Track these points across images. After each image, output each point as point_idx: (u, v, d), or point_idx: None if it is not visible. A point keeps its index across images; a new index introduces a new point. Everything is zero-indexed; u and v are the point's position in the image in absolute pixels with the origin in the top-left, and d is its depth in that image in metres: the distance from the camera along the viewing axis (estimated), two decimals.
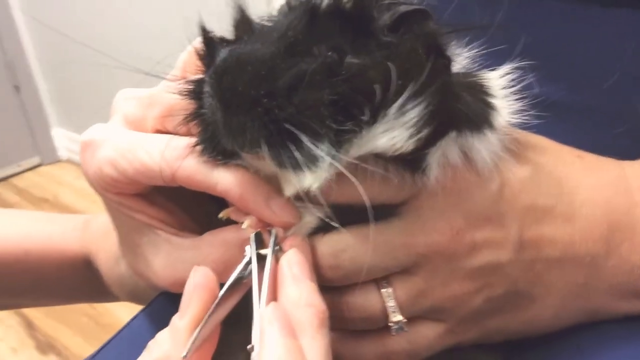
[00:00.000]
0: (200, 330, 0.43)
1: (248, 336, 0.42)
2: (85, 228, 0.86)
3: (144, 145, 0.52)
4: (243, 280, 0.47)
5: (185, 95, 0.51)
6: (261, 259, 0.47)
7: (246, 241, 0.49)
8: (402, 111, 0.45)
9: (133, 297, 0.89)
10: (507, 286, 0.53)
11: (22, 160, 4.00)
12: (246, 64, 0.45)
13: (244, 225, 0.50)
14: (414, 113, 0.45)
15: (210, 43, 0.51)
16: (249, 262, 0.47)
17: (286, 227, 0.50)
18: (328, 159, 0.44)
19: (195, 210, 0.59)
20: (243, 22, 0.51)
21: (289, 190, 0.48)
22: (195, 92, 0.50)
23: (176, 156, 0.50)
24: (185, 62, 0.54)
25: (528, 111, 0.53)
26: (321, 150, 0.44)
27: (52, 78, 3.93)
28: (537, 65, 0.53)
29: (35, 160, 4.06)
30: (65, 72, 3.64)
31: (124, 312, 2.47)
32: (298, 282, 0.45)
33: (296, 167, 0.44)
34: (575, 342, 0.57)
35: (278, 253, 0.48)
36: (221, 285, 0.46)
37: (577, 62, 0.65)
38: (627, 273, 0.55)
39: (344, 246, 0.50)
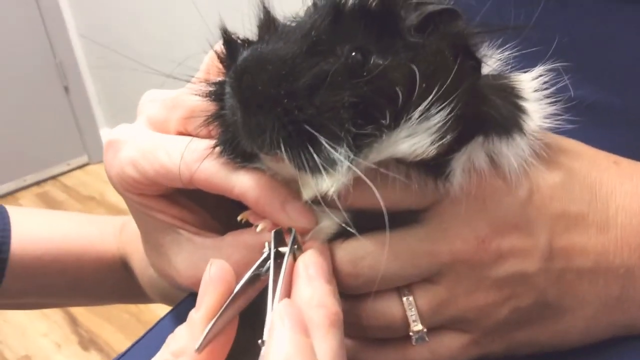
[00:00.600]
0: (215, 322, 0.42)
1: (261, 334, 0.42)
2: (122, 230, 0.88)
3: (165, 146, 0.52)
4: (261, 277, 0.46)
5: (207, 97, 0.50)
6: (280, 257, 0.47)
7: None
8: (425, 115, 0.44)
9: (164, 299, 0.89)
10: (535, 297, 0.51)
11: (71, 159, 4.10)
12: (267, 63, 0.44)
13: (258, 229, 0.50)
14: (437, 117, 0.44)
15: (231, 45, 0.51)
16: (267, 259, 0.47)
17: (302, 232, 0.49)
18: (346, 163, 0.43)
19: (216, 210, 0.59)
20: (268, 22, 0.51)
21: (307, 194, 0.47)
22: (217, 94, 0.50)
23: (195, 158, 0.50)
24: (209, 65, 0.54)
25: (562, 115, 0.51)
26: (339, 154, 0.43)
27: (100, 79, 4.02)
28: (572, 67, 0.51)
29: (83, 159, 4.16)
30: (112, 73, 3.72)
31: (163, 310, 2.49)
32: (312, 282, 0.44)
33: (314, 170, 0.43)
34: (608, 358, 0.54)
35: (297, 252, 0.48)
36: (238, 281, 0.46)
37: (614, 64, 0.62)
38: None
39: (363, 253, 0.48)
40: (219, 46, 0.52)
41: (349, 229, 0.47)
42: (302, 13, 0.52)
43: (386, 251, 0.47)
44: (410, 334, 0.50)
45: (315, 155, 0.43)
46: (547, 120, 0.51)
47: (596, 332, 0.54)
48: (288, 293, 0.45)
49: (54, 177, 4.02)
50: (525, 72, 0.53)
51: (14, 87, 3.70)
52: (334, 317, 0.42)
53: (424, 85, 0.44)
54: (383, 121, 0.43)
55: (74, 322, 2.74)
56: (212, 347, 0.43)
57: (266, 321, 0.42)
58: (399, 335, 0.51)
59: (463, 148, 0.46)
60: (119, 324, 2.68)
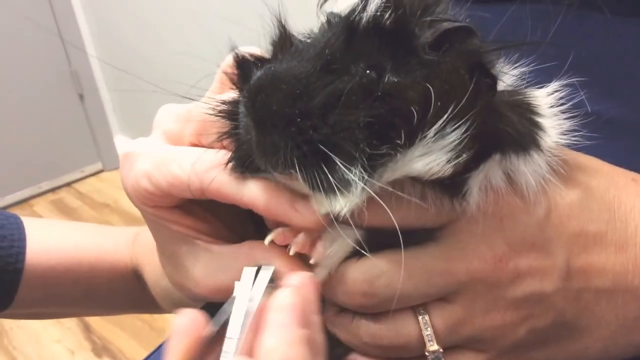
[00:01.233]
0: None
1: None
2: (135, 241, 0.88)
3: (177, 158, 0.52)
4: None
5: (221, 116, 0.50)
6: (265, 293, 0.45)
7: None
8: (441, 134, 0.43)
9: (177, 309, 0.89)
10: (553, 317, 0.50)
11: (85, 166, 4.13)
12: (281, 82, 0.44)
13: (266, 241, 0.50)
14: (453, 136, 0.43)
15: (244, 64, 0.51)
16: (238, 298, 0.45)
17: (315, 228, 0.48)
18: (360, 184, 0.43)
19: (231, 219, 0.59)
20: (283, 39, 0.51)
21: (321, 210, 0.47)
22: (231, 113, 0.50)
23: (205, 169, 0.50)
24: (222, 80, 0.55)
25: (579, 131, 0.50)
26: (354, 175, 0.42)
27: (115, 87, 4.05)
28: (588, 82, 0.51)
29: (97, 166, 4.19)
30: (127, 81, 3.74)
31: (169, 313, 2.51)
32: (279, 330, 0.41)
33: (328, 190, 0.43)
34: None
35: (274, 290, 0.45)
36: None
37: (631, 79, 0.61)
38: None
39: (379, 272, 0.48)
40: (228, 64, 0.52)
41: (361, 250, 0.47)
42: (315, 30, 0.52)
43: (403, 270, 0.47)
44: (426, 354, 0.49)
45: (329, 176, 0.43)
46: (564, 137, 0.50)
47: (614, 353, 0.53)
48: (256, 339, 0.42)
49: (68, 184, 4.06)
50: (540, 87, 0.52)
51: (29, 94, 3.74)
52: None
53: (439, 103, 0.43)
54: (398, 141, 0.43)
55: (87, 328, 2.76)
56: None
57: None
58: (415, 355, 0.50)
59: (480, 166, 0.46)
60: (132, 331, 2.69)
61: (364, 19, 0.46)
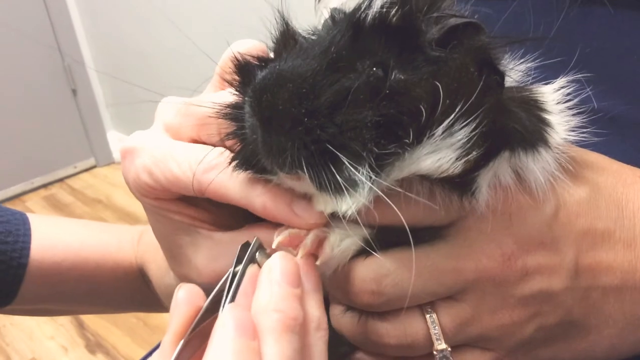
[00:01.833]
0: (185, 344, 0.42)
1: None
2: (140, 239, 0.88)
3: (175, 155, 0.53)
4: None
5: (224, 117, 0.50)
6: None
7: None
8: (449, 132, 0.43)
9: None
10: (561, 315, 0.50)
11: (78, 161, 4.11)
12: (287, 81, 0.43)
13: (274, 245, 0.49)
14: (462, 134, 0.43)
15: (244, 68, 0.50)
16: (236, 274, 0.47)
17: (312, 228, 0.49)
18: (368, 184, 0.42)
19: (233, 208, 0.59)
20: (286, 36, 0.50)
21: (327, 209, 0.46)
22: (234, 114, 0.49)
23: (203, 170, 0.51)
24: (220, 77, 0.55)
25: (586, 127, 0.50)
26: (361, 174, 0.42)
27: (108, 82, 4.03)
28: (595, 78, 0.50)
29: (90, 162, 4.17)
30: (120, 76, 3.72)
31: None
32: (271, 286, 0.43)
33: (335, 190, 0.43)
34: None
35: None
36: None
37: (637, 75, 0.61)
38: None
39: (387, 271, 0.47)
40: (226, 65, 0.52)
41: (368, 249, 0.46)
42: (319, 27, 0.51)
43: (413, 269, 0.46)
44: (434, 352, 0.49)
45: (337, 176, 0.42)
46: (572, 133, 0.50)
47: (621, 350, 0.53)
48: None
49: (61, 180, 4.04)
50: (546, 83, 0.51)
51: (22, 89, 3.71)
52: (291, 322, 0.41)
53: (447, 101, 0.43)
54: (406, 140, 0.42)
55: (81, 325, 2.75)
56: None
57: None
58: (422, 354, 0.50)
59: (489, 164, 0.45)
60: (126, 327, 2.68)
61: (370, 15, 0.45)
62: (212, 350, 0.38)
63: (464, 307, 0.49)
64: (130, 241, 0.89)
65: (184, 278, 0.59)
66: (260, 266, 0.46)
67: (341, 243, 0.49)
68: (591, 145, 0.51)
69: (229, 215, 0.59)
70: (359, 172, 0.42)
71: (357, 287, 0.48)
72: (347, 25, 0.46)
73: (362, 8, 0.45)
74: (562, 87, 0.51)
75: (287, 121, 0.42)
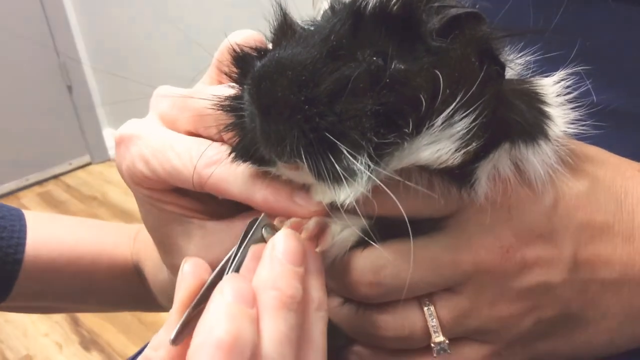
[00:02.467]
0: (189, 314, 0.42)
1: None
2: (137, 237, 0.88)
3: (174, 147, 0.52)
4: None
5: (222, 110, 0.49)
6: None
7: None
8: (449, 122, 0.42)
9: None
10: (560, 308, 0.49)
11: (73, 158, 4.10)
12: (286, 68, 0.43)
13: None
14: (462, 124, 0.42)
15: (242, 60, 0.50)
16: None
17: (315, 216, 0.48)
18: (366, 174, 0.42)
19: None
20: (285, 26, 0.49)
21: (325, 200, 0.46)
22: (232, 106, 0.49)
23: (204, 164, 0.50)
24: (217, 68, 0.55)
25: (585, 120, 0.50)
26: (360, 164, 0.41)
27: (104, 79, 4.01)
28: (594, 71, 0.50)
29: (85, 159, 4.16)
30: (116, 73, 3.71)
31: (166, 311, 2.49)
32: (272, 263, 0.43)
33: (334, 179, 0.42)
34: None
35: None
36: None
37: (637, 68, 0.61)
38: None
39: (385, 262, 0.47)
40: (223, 55, 0.52)
41: (367, 239, 0.46)
42: (319, 17, 0.51)
43: (412, 260, 0.46)
44: (432, 345, 0.49)
45: (335, 165, 0.42)
46: (571, 126, 0.50)
47: (619, 344, 0.53)
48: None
49: (56, 177, 4.02)
50: (547, 76, 0.51)
51: (17, 86, 3.70)
52: (287, 300, 0.41)
53: (447, 91, 0.42)
54: (406, 129, 0.42)
55: (75, 322, 2.74)
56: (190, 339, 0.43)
57: None
58: (420, 346, 0.50)
59: (489, 155, 0.45)
60: (120, 324, 2.67)
61: (370, 4, 0.44)
62: (207, 314, 0.39)
63: (462, 300, 0.48)
64: (127, 239, 0.88)
65: (176, 269, 0.59)
66: (266, 242, 0.46)
67: (341, 233, 0.48)
68: (590, 138, 0.51)
69: (221, 204, 0.58)
70: (357, 162, 0.41)
71: (356, 278, 0.48)
72: (347, 14, 0.45)
73: None
74: (562, 80, 0.51)
75: (286, 109, 0.42)
